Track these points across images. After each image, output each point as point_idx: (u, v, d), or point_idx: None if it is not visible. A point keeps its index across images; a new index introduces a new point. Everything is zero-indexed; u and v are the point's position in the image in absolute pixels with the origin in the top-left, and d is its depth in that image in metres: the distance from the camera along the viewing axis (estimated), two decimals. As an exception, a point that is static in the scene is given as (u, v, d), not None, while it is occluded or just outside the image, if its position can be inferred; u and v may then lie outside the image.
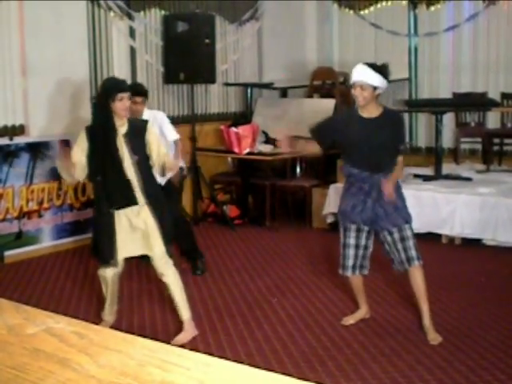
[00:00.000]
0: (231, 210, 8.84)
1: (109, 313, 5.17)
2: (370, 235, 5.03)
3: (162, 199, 4.93)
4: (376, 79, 4.80)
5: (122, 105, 4.63)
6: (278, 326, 5.27)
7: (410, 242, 4.91)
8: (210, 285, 6.30)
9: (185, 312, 4.94)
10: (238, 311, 5.63)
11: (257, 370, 1.20)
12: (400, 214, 4.93)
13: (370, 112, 4.90)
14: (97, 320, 5.06)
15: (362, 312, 5.36)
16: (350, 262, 5.08)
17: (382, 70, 4.89)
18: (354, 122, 4.98)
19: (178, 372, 1.18)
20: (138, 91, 5.84)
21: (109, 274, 4.98)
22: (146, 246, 4.82)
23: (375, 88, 4.81)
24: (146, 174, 4.79)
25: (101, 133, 4.74)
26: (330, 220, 8.24)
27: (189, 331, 4.95)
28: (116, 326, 5.11)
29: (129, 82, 8.58)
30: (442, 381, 4.27)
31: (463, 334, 5.03)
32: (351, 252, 5.05)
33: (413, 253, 4.91)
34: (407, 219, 4.95)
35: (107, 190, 4.76)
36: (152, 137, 4.80)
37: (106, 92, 4.72)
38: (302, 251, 7.48)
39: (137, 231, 4.79)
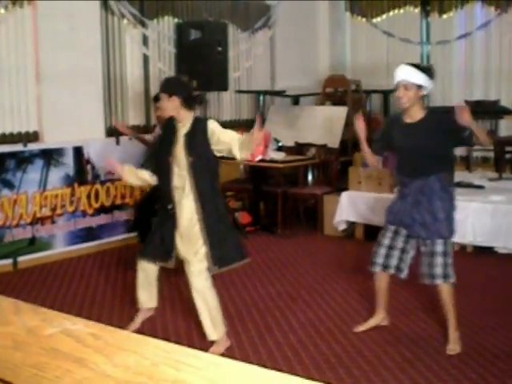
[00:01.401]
0: (243, 217, 8.85)
1: (144, 300, 5.18)
2: (409, 239, 4.91)
3: (220, 209, 4.87)
4: (420, 78, 4.66)
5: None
6: (290, 333, 5.29)
7: (438, 260, 4.75)
8: (221, 291, 6.30)
9: (209, 332, 4.88)
10: (249, 318, 5.65)
11: (267, 371, 1.23)
12: (438, 226, 4.75)
13: (413, 116, 4.78)
14: (110, 323, 5.09)
15: (377, 318, 5.29)
16: (380, 260, 5.02)
17: (426, 69, 4.77)
18: (396, 128, 4.91)
19: (190, 371, 1.21)
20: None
21: (147, 267, 5.01)
22: (188, 251, 4.83)
23: (419, 87, 4.67)
24: (201, 177, 4.76)
25: (162, 133, 4.97)
26: (342, 227, 8.26)
27: (221, 345, 4.92)
28: (139, 330, 5.14)
29: (141, 89, 8.70)
30: (453, 388, 4.28)
31: (474, 341, 5.03)
32: (382, 251, 4.99)
33: (437, 270, 4.76)
34: (443, 234, 4.76)
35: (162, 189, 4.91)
36: (214, 129, 4.73)
37: None
38: (314, 258, 7.50)
39: (184, 234, 4.84)
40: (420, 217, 4.77)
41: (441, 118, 4.78)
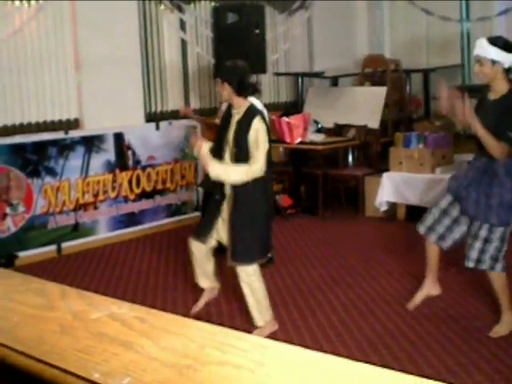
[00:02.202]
0: (284, 200, 8.86)
1: (202, 280, 5.17)
2: (463, 213, 4.80)
3: (254, 203, 4.75)
4: (493, 52, 4.47)
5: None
6: (332, 315, 5.29)
7: (477, 244, 4.66)
8: (263, 274, 6.33)
9: (256, 318, 4.88)
10: (291, 300, 5.66)
11: (312, 352, 1.23)
12: (488, 211, 4.61)
13: (496, 91, 4.60)
14: (154, 306, 5.13)
15: (426, 288, 5.18)
16: (428, 222, 4.92)
17: (504, 42, 4.53)
18: (480, 103, 4.77)
19: (236, 354, 1.22)
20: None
21: (194, 249, 5.01)
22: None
23: (495, 62, 4.48)
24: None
25: (222, 118, 4.97)
26: (383, 208, 8.22)
27: (266, 328, 4.92)
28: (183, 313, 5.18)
29: (180, 74, 8.73)
30: (498, 369, 4.25)
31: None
32: (435, 213, 4.90)
33: (472, 254, 4.68)
34: (490, 220, 4.61)
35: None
36: (252, 136, 4.61)
37: None
38: (355, 240, 7.48)
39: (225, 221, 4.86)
40: (475, 195, 4.65)
41: (508, 105, 4.55)
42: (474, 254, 4.69)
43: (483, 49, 4.51)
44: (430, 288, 5.20)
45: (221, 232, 4.89)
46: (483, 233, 4.66)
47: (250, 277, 4.78)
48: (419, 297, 5.21)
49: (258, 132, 4.59)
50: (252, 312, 4.87)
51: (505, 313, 4.84)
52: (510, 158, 4.58)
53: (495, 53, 4.48)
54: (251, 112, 4.71)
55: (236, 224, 4.72)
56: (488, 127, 4.52)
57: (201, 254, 5.01)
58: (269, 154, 4.68)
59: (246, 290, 4.82)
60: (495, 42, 4.51)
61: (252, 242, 4.73)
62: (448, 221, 4.87)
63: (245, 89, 4.75)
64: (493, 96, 4.65)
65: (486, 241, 4.66)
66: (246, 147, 4.61)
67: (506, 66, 4.52)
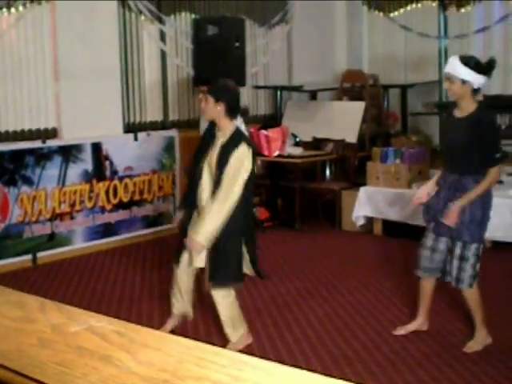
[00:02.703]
0: (261, 213, 8.86)
1: (177, 305, 5.11)
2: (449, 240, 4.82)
3: (233, 227, 4.65)
4: (464, 72, 4.51)
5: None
6: (308, 328, 5.30)
7: (454, 262, 4.70)
8: (239, 287, 6.33)
9: (229, 333, 4.87)
10: (267, 314, 5.66)
11: (289, 368, 1.24)
12: (460, 228, 4.64)
13: (463, 110, 4.66)
14: (129, 318, 5.10)
15: (418, 322, 5.16)
16: (423, 264, 4.92)
17: (476, 63, 4.56)
18: (448, 122, 4.84)
19: (214, 369, 1.23)
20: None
21: (175, 270, 4.98)
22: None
23: (464, 82, 4.53)
24: None
25: (203, 136, 4.93)
26: (360, 223, 8.25)
27: (240, 343, 4.89)
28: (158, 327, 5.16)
29: (159, 85, 8.73)
30: (472, 384, 4.28)
31: (494, 338, 5.01)
32: (426, 254, 4.90)
33: (452, 272, 4.72)
34: (463, 237, 4.65)
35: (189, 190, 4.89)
36: (232, 164, 4.55)
37: None
38: (332, 254, 7.50)
39: None
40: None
41: (480, 125, 4.59)
42: (454, 272, 4.73)
43: (454, 67, 4.56)
44: (422, 324, 5.19)
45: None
46: (458, 250, 4.70)
47: (225, 298, 4.78)
48: (409, 329, 5.16)
49: (240, 161, 4.54)
50: (225, 328, 4.87)
51: (478, 329, 4.88)
52: (480, 174, 4.62)
53: (466, 73, 4.52)
54: (237, 137, 4.66)
55: (214, 246, 4.66)
56: (459, 144, 4.62)
57: (179, 275, 4.99)
58: (252, 181, 4.67)
59: (219, 308, 4.82)
60: (467, 61, 4.55)
61: (230, 265, 4.71)
62: (440, 255, 4.87)
63: (235, 112, 4.74)
64: (459, 114, 4.71)
65: (462, 258, 4.69)
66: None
67: (475, 86, 4.57)
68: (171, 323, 5.20)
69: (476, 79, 4.54)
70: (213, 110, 4.67)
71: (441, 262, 4.88)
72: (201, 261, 4.75)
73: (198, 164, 4.78)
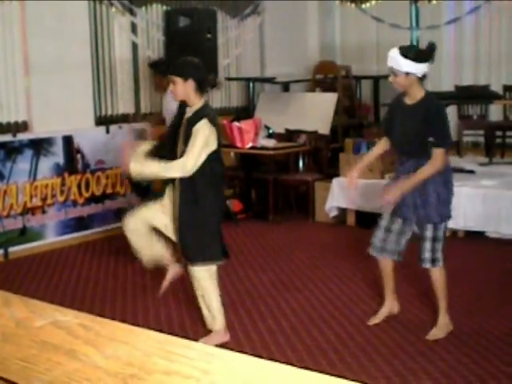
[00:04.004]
0: (234, 205, 8.84)
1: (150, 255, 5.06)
2: (406, 221, 4.83)
3: (204, 200, 4.67)
4: (406, 65, 4.55)
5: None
6: (282, 320, 5.29)
7: (426, 244, 4.73)
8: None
9: (210, 320, 4.86)
10: (241, 305, 5.65)
11: (260, 360, 1.22)
12: (428, 210, 4.69)
13: (412, 97, 4.70)
14: (103, 313, 5.07)
15: (387, 307, 5.19)
16: (377, 243, 4.94)
17: (416, 53, 4.61)
18: (397, 109, 4.86)
19: (183, 362, 1.21)
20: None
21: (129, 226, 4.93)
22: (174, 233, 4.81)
23: (408, 74, 4.57)
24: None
25: (175, 116, 4.86)
26: (333, 214, 8.26)
27: (213, 338, 4.85)
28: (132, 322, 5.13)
29: (130, 77, 8.66)
30: (446, 373, 4.29)
31: (467, 326, 5.05)
32: (380, 234, 4.92)
33: (426, 255, 4.75)
34: (432, 219, 4.69)
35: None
36: (195, 134, 4.52)
37: None
38: (306, 245, 7.50)
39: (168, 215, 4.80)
40: (411, 199, 4.70)
41: (428, 111, 4.67)
42: (426, 254, 4.75)
43: (396, 61, 4.59)
44: (392, 307, 5.22)
45: (169, 231, 4.85)
46: (428, 233, 4.73)
47: (205, 280, 4.75)
48: (381, 315, 5.18)
49: (197, 131, 4.50)
50: (206, 316, 4.84)
51: (442, 315, 4.92)
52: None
53: (407, 65, 4.56)
54: (202, 111, 4.63)
55: (186, 223, 4.65)
56: (412, 130, 4.68)
57: (136, 231, 4.92)
58: (219, 154, 4.65)
59: (200, 293, 4.79)
60: (406, 54, 4.57)
61: (205, 242, 4.69)
62: (394, 236, 4.91)
63: (205, 86, 4.73)
64: (409, 101, 4.75)
65: (434, 240, 4.74)
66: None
67: (420, 75, 4.62)
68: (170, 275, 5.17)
69: (419, 69, 4.59)
70: (183, 89, 4.63)
71: (394, 243, 4.91)
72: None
73: (171, 143, 4.73)
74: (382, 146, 5.10)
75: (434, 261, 4.77)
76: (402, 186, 4.66)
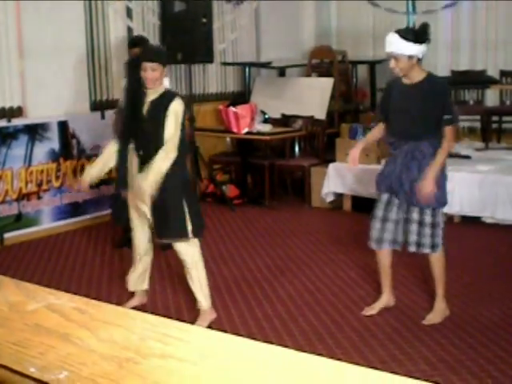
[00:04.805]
0: (230, 190, 8.83)
1: (133, 281, 5.15)
2: (401, 207, 4.80)
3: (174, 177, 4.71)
4: (408, 48, 4.53)
5: (144, 74, 4.67)
6: (278, 305, 5.29)
7: (426, 230, 4.70)
8: (209, 264, 6.30)
9: (202, 299, 4.90)
10: (237, 290, 5.64)
11: (257, 343, 1.21)
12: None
13: (412, 79, 4.68)
14: (99, 298, 5.05)
15: (384, 299, 5.13)
16: (376, 234, 4.89)
17: (416, 34, 4.60)
18: (395, 90, 4.82)
19: (179, 345, 1.19)
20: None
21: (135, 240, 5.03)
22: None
23: (410, 56, 4.57)
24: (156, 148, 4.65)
25: (130, 97, 4.89)
26: (329, 199, 8.25)
27: (204, 318, 4.91)
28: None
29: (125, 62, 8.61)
30: (442, 358, 4.29)
31: (463, 311, 5.05)
32: (377, 225, 4.87)
33: (425, 240, 4.72)
34: (432, 205, 4.67)
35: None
36: (170, 117, 4.64)
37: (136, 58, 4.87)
38: (302, 230, 7.49)
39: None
40: (409, 183, 4.68)
41: (437, 89, 4.68)
42: (427, 240, 4.73)
43: (397, 45, 4.57)
44: (388, 300, 5.16)
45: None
46: (428, 218, 4.71)
47: (193, 258, 4.79)
48: (377, 307, 5.11)
49: (176, 114, 4.63)
50: (197, 294, 4.87)
51: (439, 300, 4.92)
52: (435, 138, 4.65)
53: (409, 47, 4.55)
54: (169, 93, 4.80)
55: (161, 201, 4.67)
56: (413, 111, 4.66)
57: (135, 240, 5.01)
58: (183, 132, 4.74)
59: (191, 272, 4.82)
60: (406, 36, 4.56)
61: (182, 217, 4.71)
62: (392, 225, 4.87)
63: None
64: (408, 81, 4.73)
65: (433, 225, 4.71)
66: (159, 125, 4.62)
67: (420, 56, 4.64)
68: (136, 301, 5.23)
69: (419, 50, 4.59)
70: (160, 76, 4.73)
71: (392, 232, 4.87)
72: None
73: (131, 125, 4.80)
74: (379, 129, 5.07)
75: (433, 246, 4.75)
76: (430, 173, 4.59)
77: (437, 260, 4.83)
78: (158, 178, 4.61)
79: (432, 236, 4.74)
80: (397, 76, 4.78)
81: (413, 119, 4.68)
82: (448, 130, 4.63)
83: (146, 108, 4.72)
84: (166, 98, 4.70)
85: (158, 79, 4.72)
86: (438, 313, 4.91)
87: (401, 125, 4.77)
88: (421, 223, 4.73)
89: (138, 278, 5.14)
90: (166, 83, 5.06)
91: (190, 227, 4.70)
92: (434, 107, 4.61)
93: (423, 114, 4.64)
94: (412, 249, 4.82)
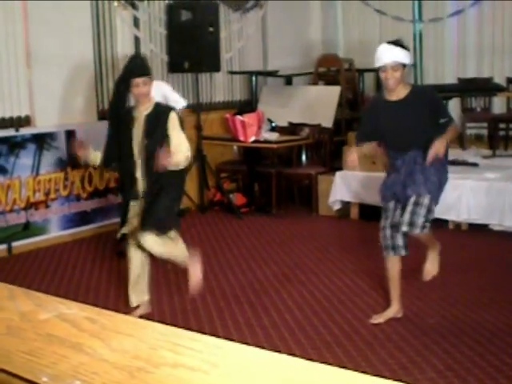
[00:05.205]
0: (237, 199, 8.84)
1: (135, 295, 5.17)
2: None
3: (170, 186, 4.86)
4: (405, 57, 4.61)
5: (137, 90, 4.68)
6: (286, 314, 5.28)
7: (422, 210, 4.66)
8: (217, 273, 6.31)
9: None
10: (245, 299, 5.64)
11: (267, 352, 1.21)
12: (429, 185, 4.69)
13: (398, 94, 4.71)
14: (106, 307, 5.05)
15: (392, 311, 5.08)
16: (388, 242, 4.87)
17: (404, 45, 4.69)
18: (381, 108, 4.84)
19: (190, 355, 1.20)
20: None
21: (129, 254, 5.07)
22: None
23: (404, 66, 4.64)
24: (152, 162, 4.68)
25: (116, 116, 4.96)
26: (336, 207, 8.25)
27: (194, 270, 5.08)
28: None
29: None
30: (450, 366, 4.28)
31: (470, 319, 5.04)
32: (387, 233, 4.86)
33: (419, 220, 4.66)
34: (432, 192, 4.70)
35: (121, 179, 4.93)
36: (171, 126, 4.72)
37: (124, 75, 4.84)
38: (309, 239, 7.49)
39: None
40: (412, 181, 4.71)
41: (425, 97, 4.75)
42: (420, 219, 4.68)
43: (397, 55, 4.61)
44: (396, 311, 5.10)
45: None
46: (426, 200, 4.69)
47: (159, 247, 4.85)
48: (386, 316, 5.08)
49: (177, 127, 4.72)
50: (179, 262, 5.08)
51: (433, 250, 5.03)
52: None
53: (406, 57, 4.65)
54: (163, 106, 4.89)
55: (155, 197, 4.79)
56: (408, 124, 4.70)
57: (133, 260, 5.06)
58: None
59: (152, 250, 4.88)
60: (403, 45, 4.65)
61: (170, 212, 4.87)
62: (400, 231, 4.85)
63: None
64: (394, 97, 4.75)
65: (429, 210, 4.70)
66: (161, 137, 4.66)
67: (408, 68, 4.77)
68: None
69: (409, 58, 4.70)
70: (149, 88, 4.78)
71: (402, 237, 4.85)
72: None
73: (125, 144, 4.86)
74: (372, 146, 5.07)
75: (423, 227, 4.71)
76: (441, 139, 4.60)
77: (423, 235, 4.82)
78: (174, 164, 4.64)
79: (425, 217, 4.68)
80: (376, 95, 4.82)
81: (410, 132, 4.72)
82: (452, 127, 4.72)
83: (141, 126, 4.75)
84: (162, 112, 4.75)
85: (150, 92, 4.76)
86: (435, 261, 5.01)
87: (399, 140, 4.80)
88: (417, 203, 4.69)
89: (139, 292, 5.17)
90: (166, 90, 5.13)
91: (169, 224, 4.85)
92: (429, 115, 4.66)
93: (420, 125, 4.68)
94: (404, 228, 4.73)
